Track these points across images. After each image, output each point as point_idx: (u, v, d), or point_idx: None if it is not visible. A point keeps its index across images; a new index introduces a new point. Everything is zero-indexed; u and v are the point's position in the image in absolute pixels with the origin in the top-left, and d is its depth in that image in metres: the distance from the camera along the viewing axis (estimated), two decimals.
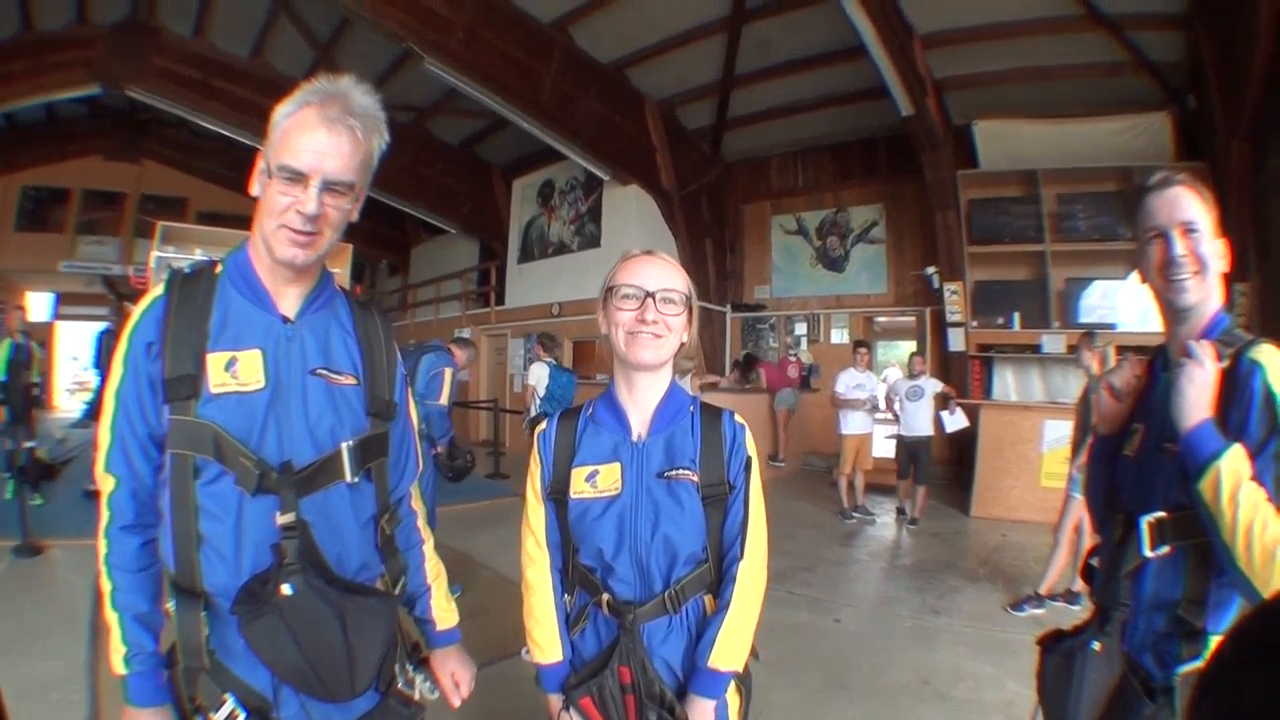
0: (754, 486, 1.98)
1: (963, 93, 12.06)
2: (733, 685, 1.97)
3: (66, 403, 22.40)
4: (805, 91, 13.71)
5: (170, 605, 1.63)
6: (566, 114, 13.29)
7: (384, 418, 1.85)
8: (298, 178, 1.61)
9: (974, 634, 5.80)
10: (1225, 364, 1.78)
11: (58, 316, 23.28)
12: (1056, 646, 2.13)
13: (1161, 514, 1.82)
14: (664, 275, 1.93)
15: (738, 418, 2.04)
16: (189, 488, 1.60)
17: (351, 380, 1.80)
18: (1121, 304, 11.20)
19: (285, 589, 1.55)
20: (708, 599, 1.96)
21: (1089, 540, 6.24)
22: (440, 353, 6.36)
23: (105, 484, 1.65)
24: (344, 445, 1.72)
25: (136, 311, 1.68)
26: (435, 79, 12.35)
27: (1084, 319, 11.27)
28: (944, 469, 11.83)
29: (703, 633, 1.93)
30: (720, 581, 1.96)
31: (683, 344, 2.00)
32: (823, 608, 6.41)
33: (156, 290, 1.70)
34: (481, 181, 19.48)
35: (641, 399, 2.00)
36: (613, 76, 14.02)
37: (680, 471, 1.92)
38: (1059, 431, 8.94)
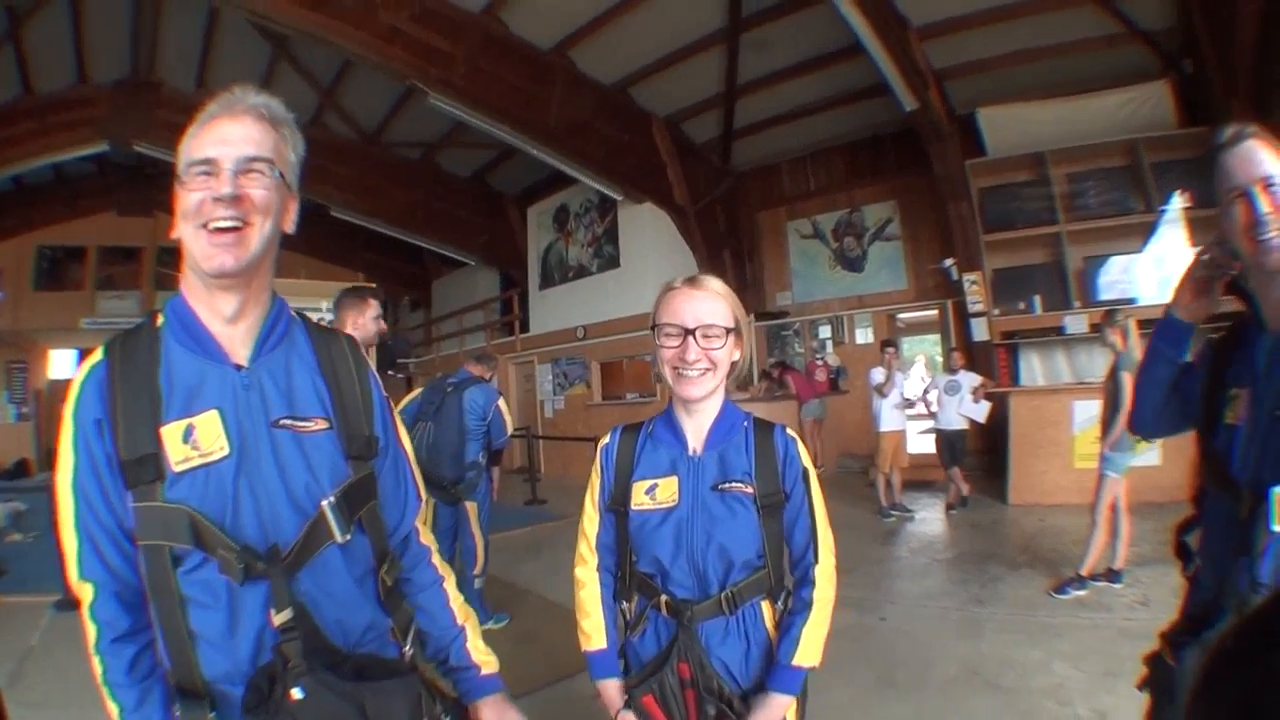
0: (815, 494, 2.06)
1: (963, 81, 12.09)
2: None
3: None
4: (809, 94, 13.76)
5: (177, 712, 1.45)
6: (574, 138, 13.41)
7: (366, 457, 1.64)
8: (208, 166, 1.46)
9: (1019, 621, 5.81)
10: None
11: None
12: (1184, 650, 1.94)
13: None
14: (704, 308, 1.97)
15: (789, 431, 2.11)
16: (170, 579, 1.42)
17: (322, 425, 1.58)
18: (1140, 278, 11.16)
19: (296, 694, 1.41)
20: (765, 605, 2.03)
21: (1126, 517, 6.30)
22: (481, 387, 6.32)
23: (83, 594, 1.45)
24: (325, 504, 1.52)
25: (75, 383, 1.48)
26: (441, 114, 12.54)
27: (1104, 296, 11.27)
28: (979, 459, 11.79)
29: (785, 631, 2.00)
30: (780, 587, 2.04)
31: (734, 364, 2.06)
32: (867, 607, 6.42)
33: (95, 355, 1.50)
34: (496, 211, 19.68)
35: (697, 419, 2.07)
36: (617, 97, 14.14)
37: (734, 484, 1.99)
38: (1088, 412, 8.90)
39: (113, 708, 1.42)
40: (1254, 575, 1.76)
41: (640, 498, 2.04)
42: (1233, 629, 0.62)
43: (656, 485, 2.04)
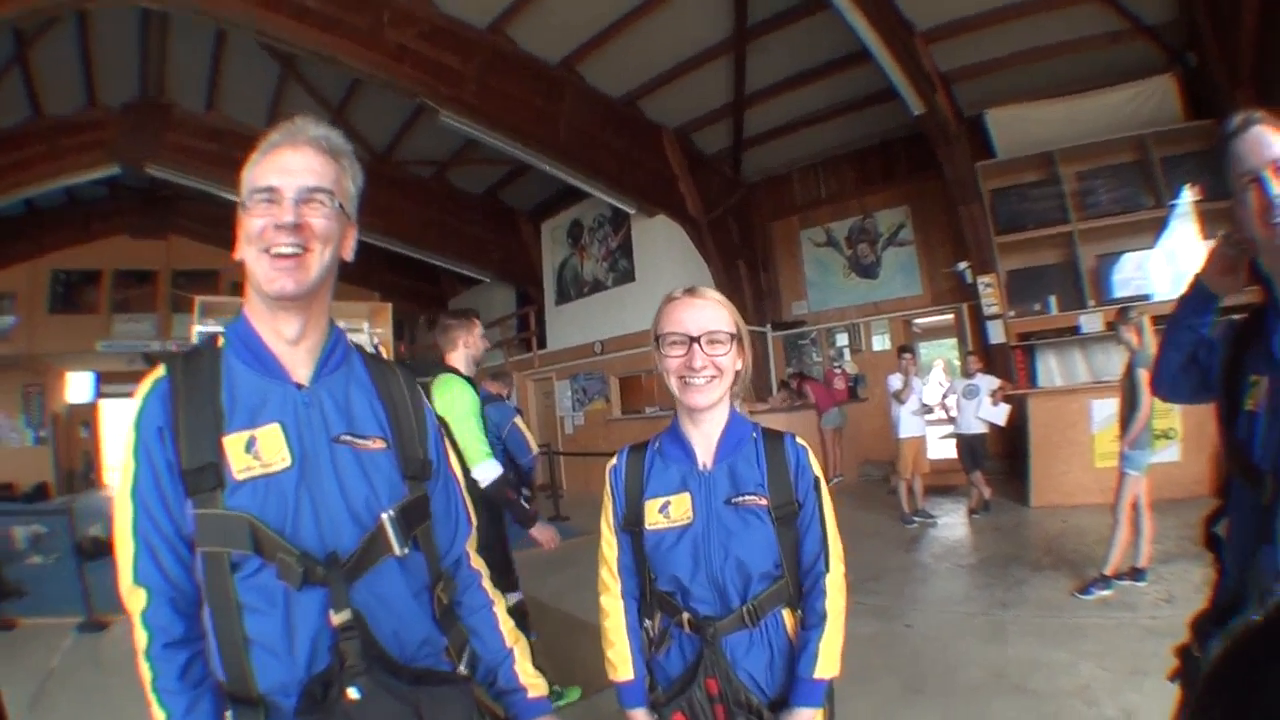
0: (826, 503, 2.06)
1: (970, 83, 12.08)
2: None
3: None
4: (817, 102, 13.80)
5: (229, 717, 1.45)
6: (585, 152, 13.48)
7: (421, 479, 1.68)
8: (271, 194, 1.50)
9: (1044, 623, 5.80)
10: None
11: (100, 395, 23.70)
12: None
13: None
14: (707, 316, 1.99)
15: (799, 440, 2.11)
16: (228, 585, 1.43)
17: (380, 444, 1.62)
18: (1154, 274, 11.12)
19: (352, 693, 1.41)
20: (786, 613, 2.03)
21: (1148, 514, 6.27)
22: (497, 405, 6.33)
23: (135, 600, 1.45)
24: (384, 516, 1.55)
25: (139, 396, 1.51)
26: (452, 131, 12.64)
27: (1118, 293, 11.24)
28: (999, 462, 11.73)
29: (804, 646, 1.99)
30: (799, 594, 2.03)
31: (738, 373, 2.07)
32: (892, 614, 6.42)
33: (157, 371, 1.54)
34: (509, 228, 19.77)
35: (704, 431, 2.07)
36: (626, 110, 14.20)
37: (747, 498, 2.00)
38: (1107, 411, 8.85)
39: (160, 715, 1.42)
40: (1277, 563, 1.73)
41: (654, 516, 2.04)
42: (1245, 630, 0.63)
43: (669, 503, 2.04)
